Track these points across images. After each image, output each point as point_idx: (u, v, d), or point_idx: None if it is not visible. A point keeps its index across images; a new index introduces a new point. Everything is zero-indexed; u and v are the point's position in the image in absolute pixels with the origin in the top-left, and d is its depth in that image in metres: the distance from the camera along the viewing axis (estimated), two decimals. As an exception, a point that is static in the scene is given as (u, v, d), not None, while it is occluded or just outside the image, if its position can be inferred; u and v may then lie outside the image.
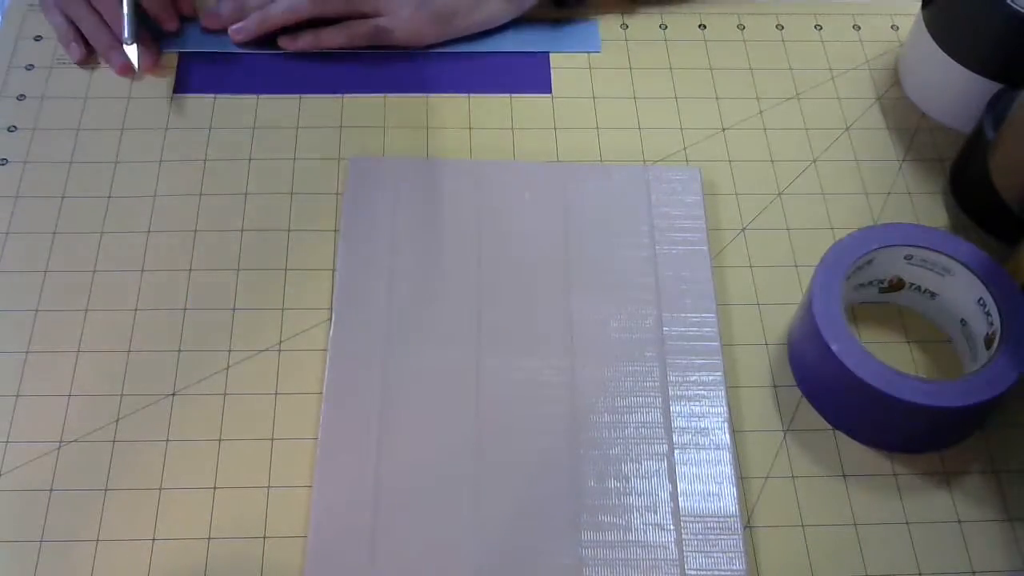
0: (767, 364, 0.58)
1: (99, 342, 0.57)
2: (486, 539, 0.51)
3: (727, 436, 0.54)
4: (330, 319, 0.58)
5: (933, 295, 0.59)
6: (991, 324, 0.55)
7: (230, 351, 0.57)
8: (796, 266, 0.62)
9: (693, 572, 0.50)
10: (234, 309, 0.59)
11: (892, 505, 0.54)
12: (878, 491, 0.54)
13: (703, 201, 0.63)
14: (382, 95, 0.68)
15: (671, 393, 0.56)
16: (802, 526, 0.53)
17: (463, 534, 0.51)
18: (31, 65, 0.69)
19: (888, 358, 0.57)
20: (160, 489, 0.53)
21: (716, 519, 0.52)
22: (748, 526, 0.53)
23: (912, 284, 0.59)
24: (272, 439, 0.54)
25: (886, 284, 0.59)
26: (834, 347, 0.53)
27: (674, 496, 0.53)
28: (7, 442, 0.54)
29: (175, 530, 0.51)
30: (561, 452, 0.54)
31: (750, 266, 0.62)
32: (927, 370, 0.58)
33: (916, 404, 0.51)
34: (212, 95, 0.68)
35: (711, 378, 0.56)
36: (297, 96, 0.67)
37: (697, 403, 0.56)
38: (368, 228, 0.61)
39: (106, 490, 0.53)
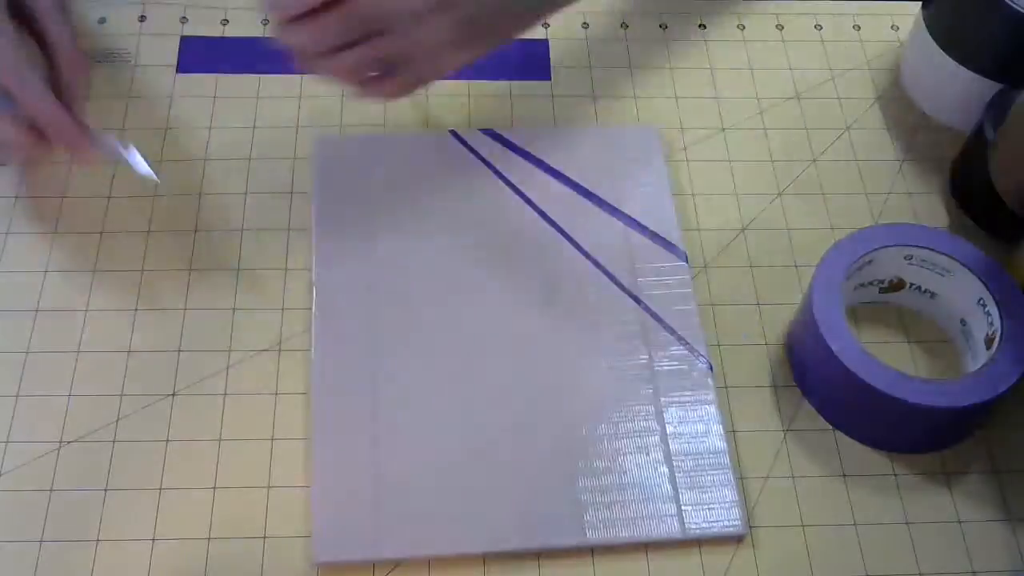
0: (767, 364, 0.58)
1: (99, 342, 0.57)
2: (492, 497, 0.52)
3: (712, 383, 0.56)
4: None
5: (933, 295, 0.59)
6: (991, 324, 0.55)
7: (230, 351, 0.57)
8: (796, 266, 0.62)
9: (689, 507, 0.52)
10: (234, 309, 0.59)
11: (892, 505, 0.54)
12: (878, 491, 0.54)
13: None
14: (382, 95, 0.68)
15: (655, 361, 0.57)
16: (802, 526, 0.53)
17: (465, 497, 0.52)
18: (31, 65, 0.69)
19: (888, 358, 0.57)
20: (160, 489, 0.53)
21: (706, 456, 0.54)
22: (748, 526, 0.53)
23: (912, 284, 0.59)
24: (272, 439, 0.54)
25: (886, 284, 0.59)
26: (834, 347, 0.53)
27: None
28: (7, 442, 0.54)
29: (175, 530, 0.51)
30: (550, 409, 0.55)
31: (750, 266, 0.62)
32: (927, 370, 0.58)
33: (916, 404, 0.51)
34: (211, 97, 0.68)
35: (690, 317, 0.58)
36: (297, 96, 0.67)
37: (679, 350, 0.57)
38: (342, 212, 0.61)
39: (106, 490, 0.53)
